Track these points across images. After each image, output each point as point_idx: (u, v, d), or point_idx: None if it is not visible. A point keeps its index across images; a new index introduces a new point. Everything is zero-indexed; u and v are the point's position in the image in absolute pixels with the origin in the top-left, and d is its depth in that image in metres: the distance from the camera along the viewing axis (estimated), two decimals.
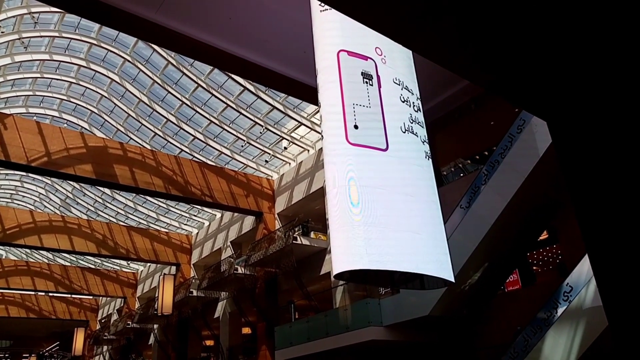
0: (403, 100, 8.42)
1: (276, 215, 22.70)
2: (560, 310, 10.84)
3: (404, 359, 15.82)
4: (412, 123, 8.29)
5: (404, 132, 8.12)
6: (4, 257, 34.12)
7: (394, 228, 7.74)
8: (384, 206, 7.79)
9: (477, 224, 11.59)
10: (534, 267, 16.61)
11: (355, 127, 8.18)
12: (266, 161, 23.00)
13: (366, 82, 8.11)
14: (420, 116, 8.61)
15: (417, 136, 8.32)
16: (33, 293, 35.39)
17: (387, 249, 7.63)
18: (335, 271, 7.99)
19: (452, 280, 8.01)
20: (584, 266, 10.42)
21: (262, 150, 22.55)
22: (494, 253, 12.19)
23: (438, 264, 8.00)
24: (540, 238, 14.63)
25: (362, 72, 8.13)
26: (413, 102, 8.59)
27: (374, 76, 8.22)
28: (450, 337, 13.64)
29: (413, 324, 13.13)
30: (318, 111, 20.96)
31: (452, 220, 11.73)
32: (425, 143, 8.34)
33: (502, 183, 11.30)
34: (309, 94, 11.51)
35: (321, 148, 20.57)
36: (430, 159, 8.35)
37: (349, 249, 7.80)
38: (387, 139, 8.02)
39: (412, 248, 7.79)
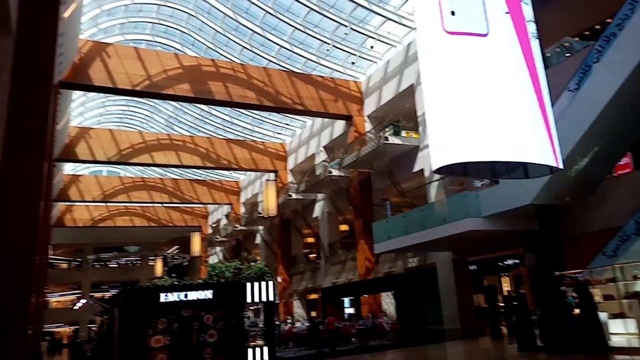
0: None
1: (366, 118, 22.81)
2: None
3: (503, 247, 16.05)
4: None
5: (507, 13, 7.64)
6: (122, 175, 38.15)
7: (495, 117, 7.59)
8: (484, 95, 7.60)
9: (588, 105, 10.85)
10: None
11: (452, 13, 7.82)
12: (352, 63, 22.67)
13: None
14: None
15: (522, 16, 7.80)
16: (151, 205, 39.68)
17: (489, 139, 7.56)
18: (434, 166, 8.11)
19: (561, 166, 7.81)
20: None
21: (348, 52, 22.20)
22: (605, 136, 11.48)
23: (544, 150, 7.80)
24: None
25: None
26: None
27: None
28: (552, 225, 13.45)
29: (513, 213, 13.07)
30: (406, 1, 19.81)
31: (560, 104, 11.04)
32: (531, 22, 7.82)
33: (619, 59, 10.32)
34: None
35: (409, 43, 19.81)
36: (537, 40, 7.86)
37: (448, 142, 7.80)
38: (488, 23, 7.62)
39: (516, 136, 7.63)
